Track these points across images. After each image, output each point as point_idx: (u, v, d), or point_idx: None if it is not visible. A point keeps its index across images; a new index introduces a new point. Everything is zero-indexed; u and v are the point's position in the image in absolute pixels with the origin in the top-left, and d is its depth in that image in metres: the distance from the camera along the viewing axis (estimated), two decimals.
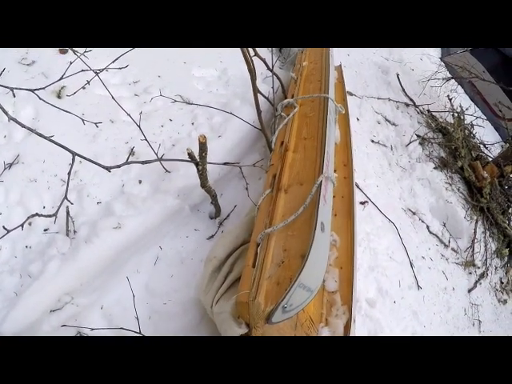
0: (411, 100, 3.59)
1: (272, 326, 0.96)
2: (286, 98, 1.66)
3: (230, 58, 2.07)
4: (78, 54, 1.37)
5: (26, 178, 1.25)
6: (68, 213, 1.20)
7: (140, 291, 1.25)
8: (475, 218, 2.97)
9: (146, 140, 1.34)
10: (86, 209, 1.31)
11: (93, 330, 1.10)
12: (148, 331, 1.14)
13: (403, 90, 3.66)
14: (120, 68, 1.35)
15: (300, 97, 1.53)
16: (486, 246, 3.00)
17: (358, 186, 2.45)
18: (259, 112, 1.33)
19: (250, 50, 1.33)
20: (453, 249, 2.81)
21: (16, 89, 0.95)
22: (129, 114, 1.32)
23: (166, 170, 1.43)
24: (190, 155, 1.09)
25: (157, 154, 1.33)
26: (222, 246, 1.19)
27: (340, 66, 2.78)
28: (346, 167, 2.14)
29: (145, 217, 1.34)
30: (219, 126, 1.66)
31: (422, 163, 3.09)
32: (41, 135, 0.88)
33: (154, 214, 1.38)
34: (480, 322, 2.62)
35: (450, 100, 4.04)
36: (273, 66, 1.44)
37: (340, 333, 1.43)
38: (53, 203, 1.28)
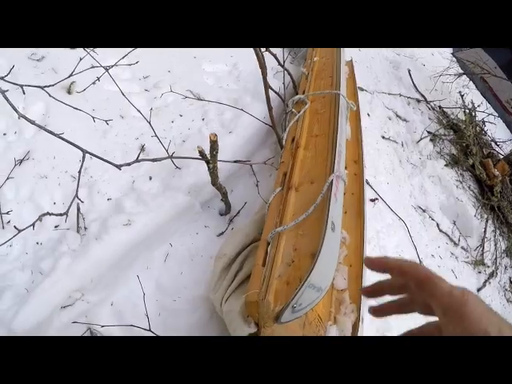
0: (422, 96, 3.53)
1: (280, 326, 0.96)
2: (297, 93, 1.64)
3: (241, 52, 2.04)
4: (88, 50, 1.36)
5: (36, 174, 1.25)
6: (78, 209, 1.20)
7: (150, 288, 1.25)
8: (485, 216, 2.92)
9: (157, 136, 1.33)
10: (97, 205, 1.31)
11: (103, 326, 1.10)
12: (158, 328, 1.14)
13: (414, 85, 3.59)
14: (130, 64, 1.34)
15: (311, 93, 1.50)
16: (495, 244, 2.95)
17: (368, 183, 2.43)
18: (270, 108, 1.31)
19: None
20: (462, 247, 2.77)
21: (25, 86, 0.95)
22: (139, 110, 1.31)
23: (177, 167, 1.43)
24: (201, 153, 1.08)
25: (167, 151, 1.33)
26: (231, 244, 1.18)
27: (351, 60, 2.73)
28: (357, 164, 2.11)
29: (155, 214, 1.34)
30: (230, 122, 1.64)
31: (432, 160, 3.04)
32: (51, 132, 0.87)
33: (164, 211, 1.37)
34: None
35: (462, 96, 3.96)
36: (284, 62, 1.41)
37: (348, 331, 1.42)
38: (63, 199, 1.28)
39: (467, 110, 3.60)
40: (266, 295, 0.88)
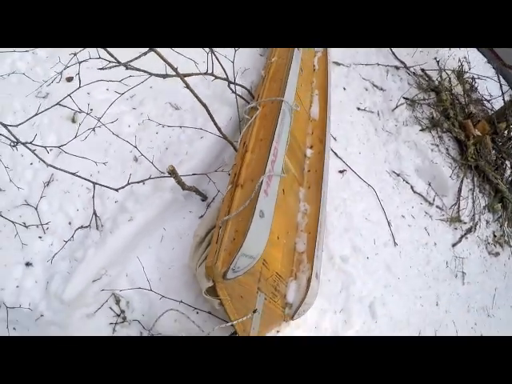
0: (402, 62, 3.63)
1: (234, 281, 1.40)
2: (253, 97, 1.97)
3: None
4: (82, 85, 1.77)
5: (61, 191, 1.74)
6: (95, 213, 1.69)
7: (152, 261, 1.75)
8: (461, 176, 3.14)
9: (143, 155, 1.75)
10: (108, 208, 1.79)
11: (121, 290, 1.62)
12: (159, 288, 1.65)
13: (392, 52, 3.68)
14: (122, 93, 1.74)
15: (261, 100, 1.84)
16: (474, 202, 3.19)
17: (338, 156, 2.72)
18: (219, 128, 1.67)
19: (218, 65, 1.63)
20: (438, 206, 3.05)
21: (49, 147, 1.37)
22: (131, 143, 1.73)
23: (161, 172, 1.87)
24: (170, 172, 1.49)
25: (153, 163, 1.76)
26: (202, 226, 1.64)
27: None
28: (321, 143, 2.44)
29: (150, 209, 1.81)
30: (201, 127, 2.03)
31: (408, 126, 3.24)
32: (65, 171, 1.32)
33: (156, 206, 1.84)
34: (464, 273, 2.91)
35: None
36: (235, 79, 1.74)
37: (304, 285, 1.86)
38: (83, 206, 1.77)
39: (449, 72, 3.67)
40: (217, 262, 1.31)
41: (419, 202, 2.99)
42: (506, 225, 3.37)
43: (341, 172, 2.63)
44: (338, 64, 3.39)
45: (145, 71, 1.40)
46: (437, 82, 3.54)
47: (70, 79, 2.02)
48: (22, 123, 1.35)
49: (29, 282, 1.63)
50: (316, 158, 2.38)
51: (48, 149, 1.59)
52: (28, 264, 1.66)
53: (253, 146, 1.64)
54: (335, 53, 3.42)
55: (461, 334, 2.60)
